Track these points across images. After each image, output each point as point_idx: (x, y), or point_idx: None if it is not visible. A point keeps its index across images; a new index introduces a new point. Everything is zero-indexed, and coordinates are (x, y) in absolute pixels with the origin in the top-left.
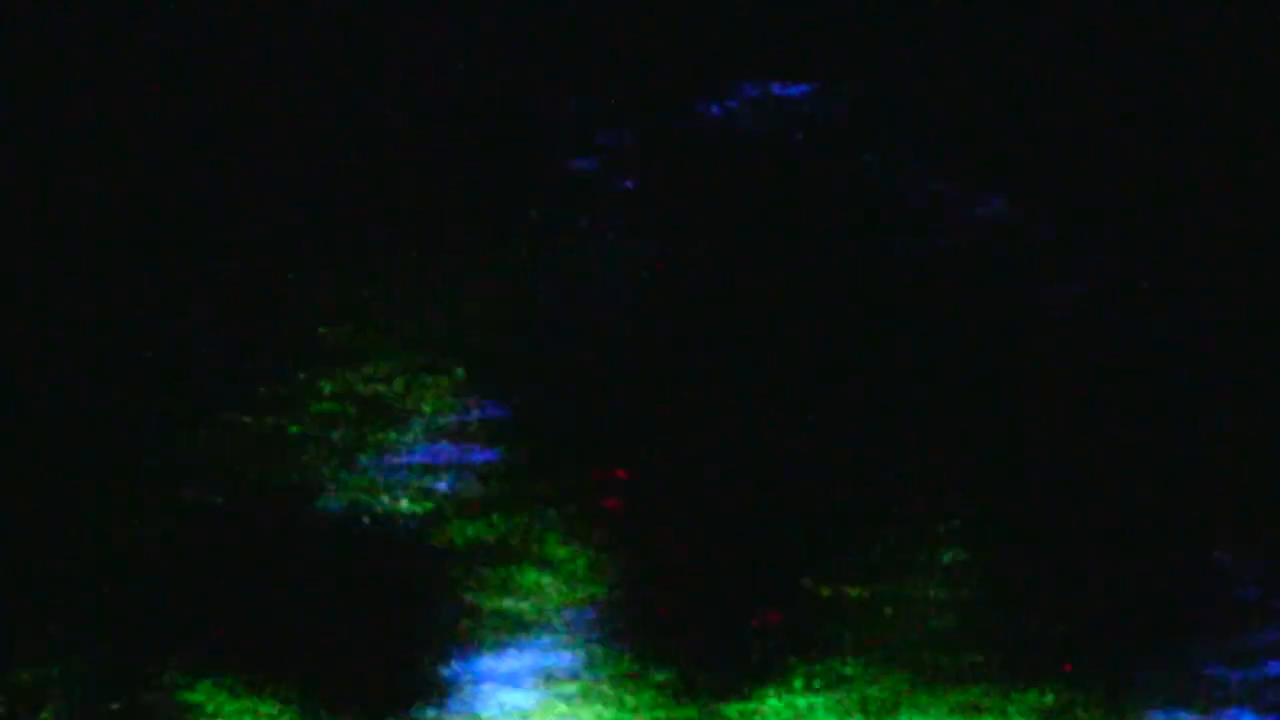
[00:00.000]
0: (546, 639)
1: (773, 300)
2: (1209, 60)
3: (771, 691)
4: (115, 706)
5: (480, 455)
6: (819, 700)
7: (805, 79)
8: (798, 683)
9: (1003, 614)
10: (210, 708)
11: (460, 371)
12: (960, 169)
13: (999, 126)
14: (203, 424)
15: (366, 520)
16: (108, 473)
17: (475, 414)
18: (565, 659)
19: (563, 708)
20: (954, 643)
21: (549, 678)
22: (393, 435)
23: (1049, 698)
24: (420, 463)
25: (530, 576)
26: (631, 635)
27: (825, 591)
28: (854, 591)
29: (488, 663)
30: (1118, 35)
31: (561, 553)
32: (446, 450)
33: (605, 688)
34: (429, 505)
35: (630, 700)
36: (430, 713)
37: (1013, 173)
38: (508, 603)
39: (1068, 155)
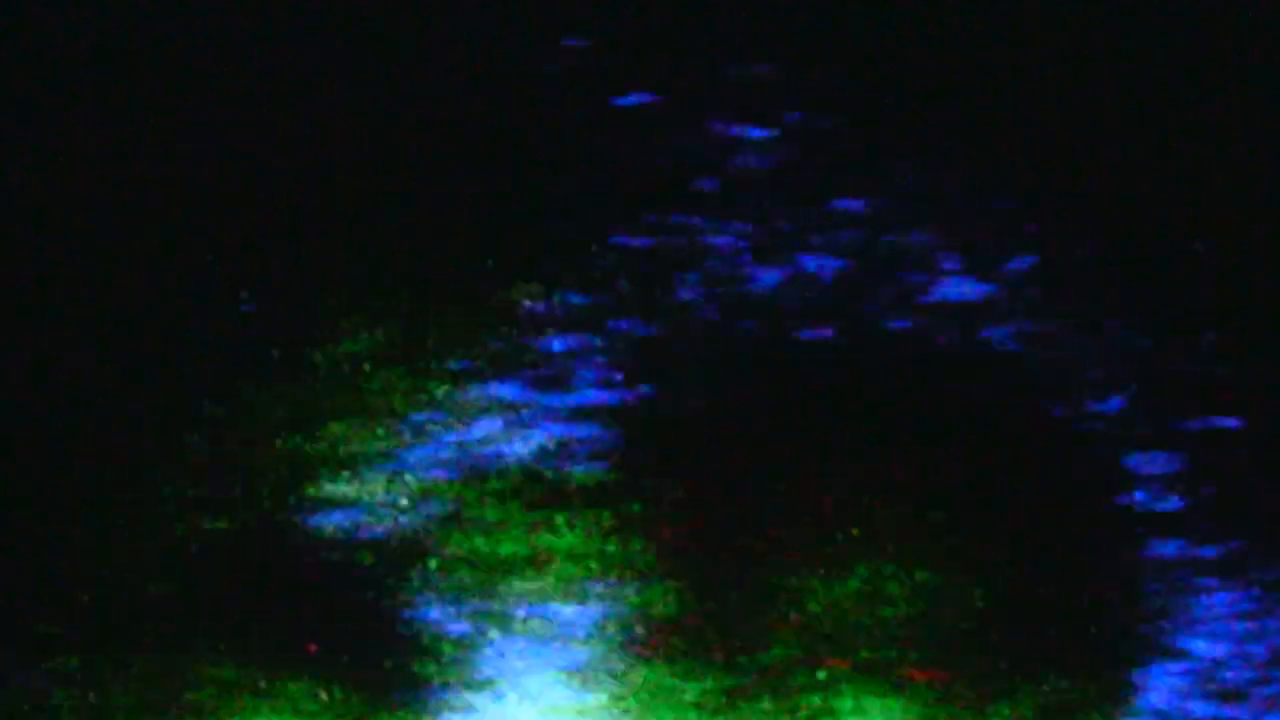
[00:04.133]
0: (559, 643)
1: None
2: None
3: (766, 698)
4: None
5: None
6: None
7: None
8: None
9: (985, 616)
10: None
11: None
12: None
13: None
14: (209, 430)
15: (376, 527)
16: (109, 479)
17: (490, 421)
18: (577, 662)
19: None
20: (932, 646)
21: (563, 681)
22: (399, 442)
23: (1030, 699)
24: (431, 469)
25: (545, 582)
26: (641, 640)
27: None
28: (847, 593)
29: (503, 663)
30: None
31: (574, 561)
32: (460, 458)
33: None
34: (439, 512)
35: (632, 701)
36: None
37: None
38: (522, 607)
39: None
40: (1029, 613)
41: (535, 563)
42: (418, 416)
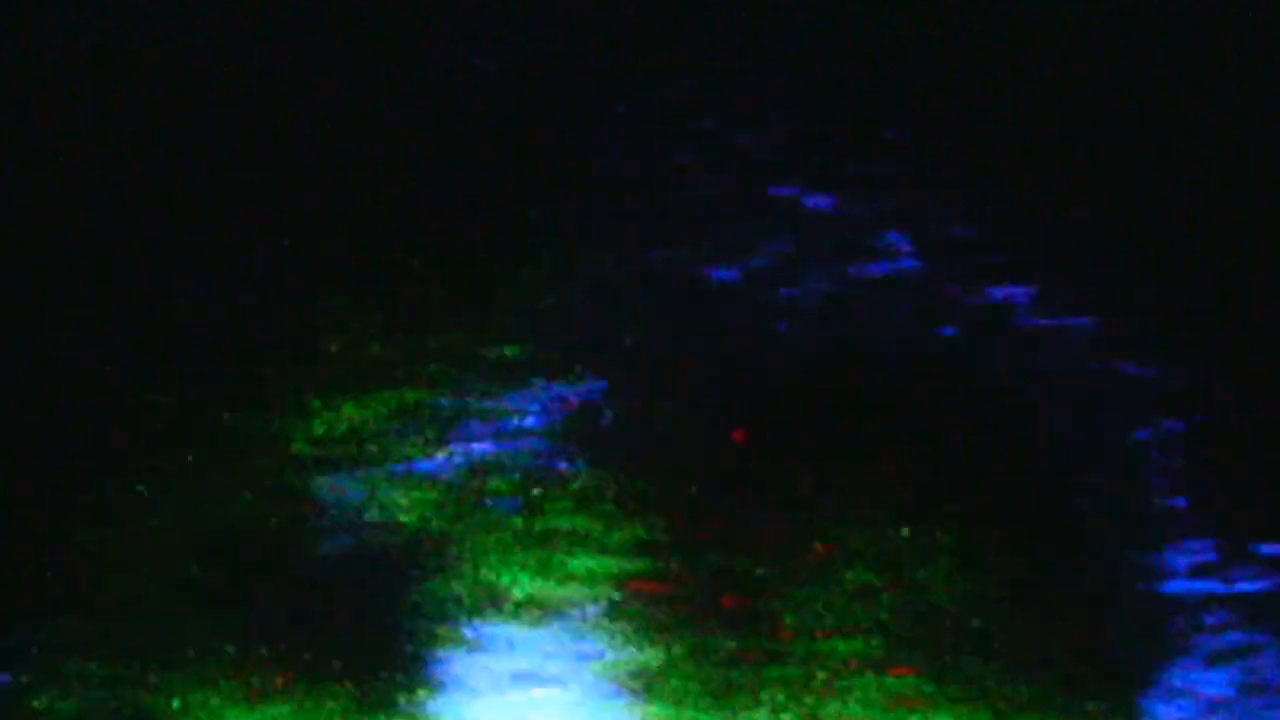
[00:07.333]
0: (553, 639)
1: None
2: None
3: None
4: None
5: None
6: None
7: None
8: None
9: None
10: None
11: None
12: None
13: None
14: (212, 431)
15: (376, 527)
16: (113, 480)
17: (488, 423)
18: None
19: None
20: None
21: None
22: (401, 444)
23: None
24: (431, 469)
25: (539, 582)
26: (638, 635)
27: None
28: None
29: (495, 659)
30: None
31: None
32: (460, 458)
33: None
34: (437, 511)
35: (634, 698)
36: (435, 705)
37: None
38: (518, 606)
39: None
40: (1034, 619)
41: (534, 565)
42: (417, 416)
